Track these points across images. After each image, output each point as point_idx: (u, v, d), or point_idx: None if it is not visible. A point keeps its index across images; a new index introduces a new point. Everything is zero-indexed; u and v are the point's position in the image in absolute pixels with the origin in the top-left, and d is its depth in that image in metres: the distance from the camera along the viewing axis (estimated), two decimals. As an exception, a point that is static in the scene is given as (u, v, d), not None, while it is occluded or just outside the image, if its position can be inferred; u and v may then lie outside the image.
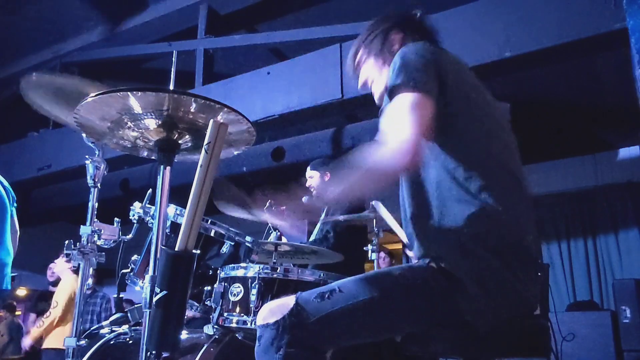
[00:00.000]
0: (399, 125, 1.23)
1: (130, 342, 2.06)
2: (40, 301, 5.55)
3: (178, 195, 1.62)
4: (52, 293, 5.49)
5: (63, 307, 4.72)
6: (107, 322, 2.23)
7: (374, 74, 1.56)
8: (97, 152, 1.88)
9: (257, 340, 1.25)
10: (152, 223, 2.01)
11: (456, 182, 1.29)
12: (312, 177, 3.56)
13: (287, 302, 1.25)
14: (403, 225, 1.44)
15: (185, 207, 1.22)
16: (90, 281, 4.62)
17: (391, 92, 1.30)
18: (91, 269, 1.84)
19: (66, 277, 4.92)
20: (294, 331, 1.20)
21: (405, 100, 1.25)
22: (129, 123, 1.40)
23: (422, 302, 1.25)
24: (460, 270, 1.23)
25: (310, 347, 1.21)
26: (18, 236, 2.83)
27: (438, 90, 1.30)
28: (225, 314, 1.84)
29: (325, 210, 3.34)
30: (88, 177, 1.88)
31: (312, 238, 3.55)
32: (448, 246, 1.27)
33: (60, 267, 4.93)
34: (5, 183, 2.75)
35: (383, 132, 1.26)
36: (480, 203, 1.27)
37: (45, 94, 1.74)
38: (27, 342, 4.82)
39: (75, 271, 4.97)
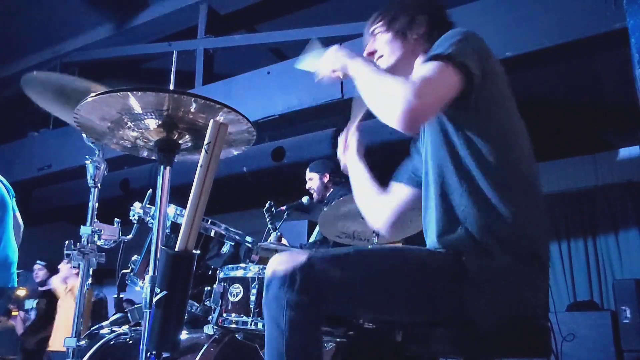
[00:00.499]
0: (423, 86, 1.20)
1: (130, 342, 2.06)
2: (27, 300, 5.56)
3: (178, 195, 1.62)
4: (39, 292, 5.51)
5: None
6: (107, 322, 2.23)
7: (385, 50, 1.53)
8: (97, 152, 1.88)
9: (265, 289, 1.23)
10: (152, 223, 2.01)
11: (486, 186, 1.28)
12: (312, 179, 3.56)
13: (298, 255, 1.23)
14: (424, 219, 1.43)
15: (185, 207, 1.22)
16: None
17: (431, 57, 1.27)
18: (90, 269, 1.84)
19: (73, 282, 4.95)
20: (303, 282, 1.18)
21: (440, 67, 1.23)
22: (129, 123, 1.40)
23: (430, 288, 1.25)
24: (476, 267, 1.23)
25: (314, 305, 1.20)
26: (22, 231, 2.84)
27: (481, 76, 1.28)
28: (225, 315, 1.84)
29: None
30: (88, 177, 1.88)
31: (312, 239, 3.55)
32: (470, 245, 1.27)
33: (66, 273, 4.93)
34: (3, 179, 2.75)
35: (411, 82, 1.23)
36: (504, 207, 1.26)
37: (45, 92, 1.75)
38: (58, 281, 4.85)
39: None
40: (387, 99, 1.23)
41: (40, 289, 5.61)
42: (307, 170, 3.61)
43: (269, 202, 2.93)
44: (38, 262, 5.59)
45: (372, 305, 1.29)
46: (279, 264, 1.22)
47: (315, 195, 3.52)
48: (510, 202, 1.28)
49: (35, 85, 1.75)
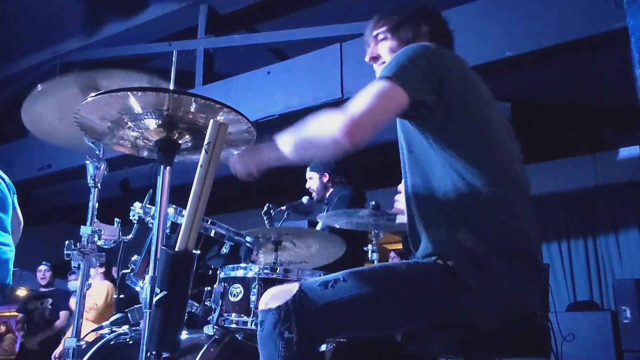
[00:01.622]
0: (358, 105, 1.22)
1: (130, 342, 2.06)
2: (31, 301, 5.55)
3: (178, 195, 1.62)
4: (42, 293, 5.51)
5: (100, 310, 4.78)
6: (107, 322, 2.23)
7: (388, 58, 1.53)
8: (97, 152, 1.88)
9: (259, 325, 1.25)
10: (152, 223, 2.01)
11: (467, 187, 1.28)
12: (312, 179, 3.56)
13: (290, 288, 1.25)
14: (408, 224, 1.43)
15: (185, 207, 1.22)
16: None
17: (379, 77, 1.29)
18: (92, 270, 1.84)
19: (97, 282, 4.97)
20: (298, 317, 1.19)
21: (379, 85, 1.25)
22: (129, 123, 1.39)
23: (425, 301, 1.25)
24: (468, 271, 1.23)
25: (311, 334, 1.21)
26: (22, 227, 2.84)
27: (436, 96, 1.29)
28: (225, 315, 1.84)
29: (326, 210, 3.35)
30: (88, 177, 1.87)
31: None
32: (457, 248, 1.27)
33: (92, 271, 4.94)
34: (5, 176, 2.75)
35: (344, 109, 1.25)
36: (490, 208, 1.27)
37: (48, 105, 1.73)
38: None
39: (106, 275, 5.06)
40: (325, 130, 1.25)
41: (43, 290, 5.60)
42: (307, 169, 3.60)
43: (267, 204, 2.93)
44: (44, 263, 5.57)
45: (369, 326, 1.29)
46: (272, 299, 1.24)
47: (314, 195, 3.52)
48: (494, 201, 1.28)
49: (41, 98, 1.73)
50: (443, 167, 1.32)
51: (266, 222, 2.89)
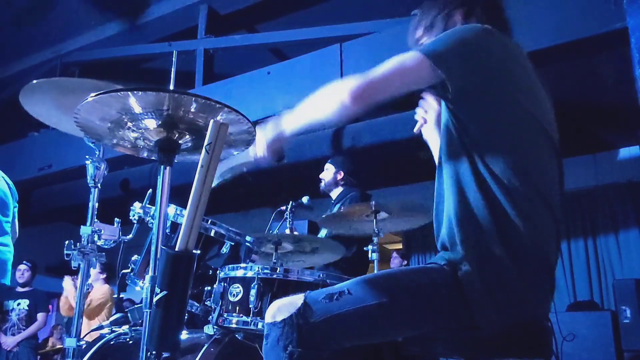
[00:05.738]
0: (375, 71, 1.25)
1: (131, 342, 2.06)
2: (6, 300, 5.52)
3: (178, 195, 1.62)
4: (20, 293, 5.51)
5: (92, 310, 4.80)
6: (107, 322, 2.23)
7: None
8: (97, 152, 1.89)
9: (264, 338, 1.25)
10: (152, 223, 2.01)
11: (498, 192, 1.26)
12: (327, 170, 3.61)
13: (295, 300, 1.25)
14: (434, 215, 1.41)
15: (185, 207, 1.22)
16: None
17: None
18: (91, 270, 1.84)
19: (98, 286, 4.98)
20: (301, 330, 1.19)
21: (407, 55, 1.26)
22: (129, 123, 1.39)
23: (431, 308, 1.24)
24: (480, 278, 1.22)
25: (316, 347, 1.21)
26: (16, 238, 2.81)
27: (473, 80, 1.28)
28: (225, 315, 1.84)
29: (334, 210, 3.37)
30: (88, 177, 1.88)
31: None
32: (475, 252, 1.25)
33: (93, 276, 4.93)
34: (9, 181, 2.74)
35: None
36: (518, 213, 1.25)
37: (46, 99, 1.74)
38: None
39: (107, 281, 5.06)
40: (336, 88, 1.27)
41: (21, 290, 5.58)
42: (328, 161, 3.67)
43: (290, 201, 3.00)
44: (24, 262, 5.57)
45: (375, 335, 1.29)
46: (277, 311, 1.24)
47: (322, 185, 3.58)
48: (521, 208, 1.25)
49: (36, 93, 1.74)
50: (475, 170, 1.29)
51: (289, 218, 2.95)
